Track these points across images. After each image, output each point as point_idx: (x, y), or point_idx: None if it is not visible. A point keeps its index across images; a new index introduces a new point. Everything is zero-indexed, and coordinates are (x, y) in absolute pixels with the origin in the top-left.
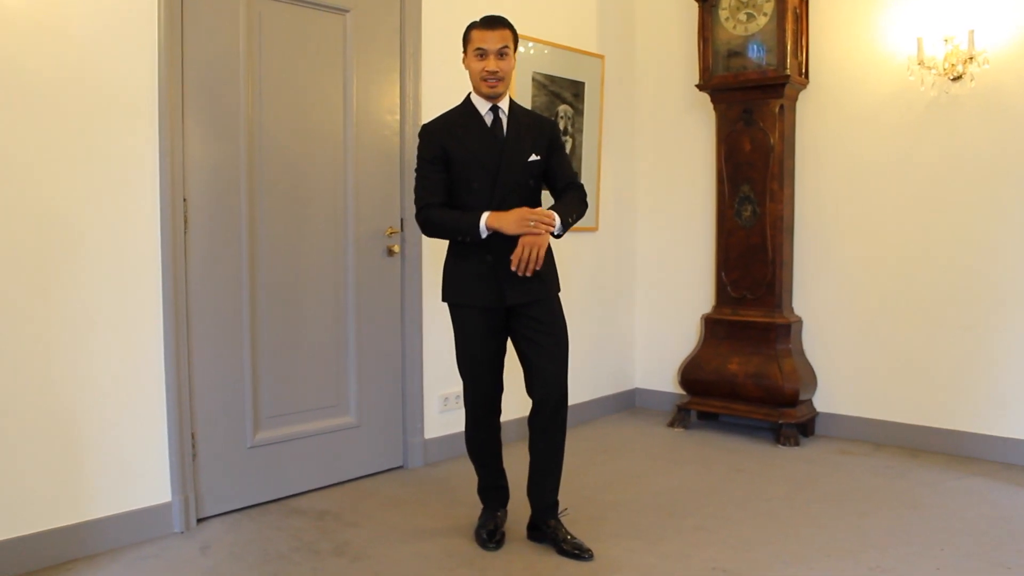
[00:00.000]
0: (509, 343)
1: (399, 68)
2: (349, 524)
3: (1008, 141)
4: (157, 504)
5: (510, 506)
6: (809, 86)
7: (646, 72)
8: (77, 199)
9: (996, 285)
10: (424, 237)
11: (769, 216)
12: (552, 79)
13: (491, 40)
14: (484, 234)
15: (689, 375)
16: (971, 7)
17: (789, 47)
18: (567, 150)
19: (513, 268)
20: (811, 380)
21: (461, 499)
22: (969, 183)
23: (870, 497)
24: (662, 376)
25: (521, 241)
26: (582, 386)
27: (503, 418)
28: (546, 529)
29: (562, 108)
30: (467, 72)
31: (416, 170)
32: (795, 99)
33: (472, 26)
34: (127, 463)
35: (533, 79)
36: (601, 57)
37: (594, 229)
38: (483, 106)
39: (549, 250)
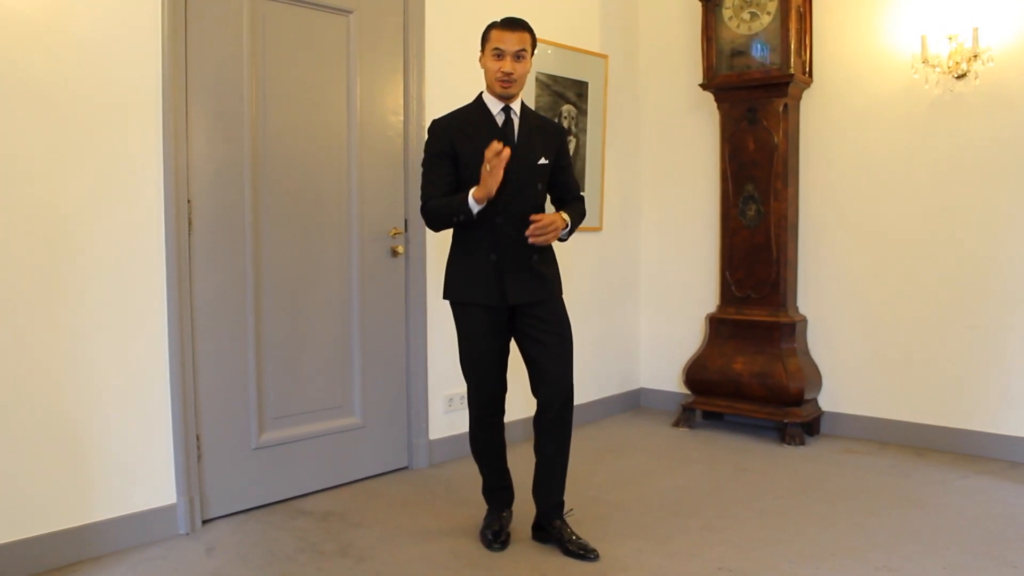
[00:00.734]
0: (512, 343)
1: (403, 69)
2: (354, 525)
3: (1013, 138)
4: (162, 506)
5: (515, 506)
6: (813, 85)
7: (650, 72)
8: (81, 201)
9: (1002, 283)
10: (428, 238)
11: (773, 215)
12: (555, 79)
13: (510, 41)
14: (475, 208)
15: (694, 375)
16: (975, 5)
17: (793, 46)
18: (571, 150)
19: (529, 232)
20: (816, 379)
21: (466, 500)
22: (974, 181)
23: (876, 496)
24: (667, 376)
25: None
26: (587, 386)
27: (508, 418)
28: (551, 529)
29: (566, 108)
30: (478, 71)
31: (423, 164)
32: (799, 98)
33: (492, 26)
34: (132, 465)
35: (537, 79)
36: (605, 57)
37: (598, 229)
38: (495, 106)
39: (551, 251)
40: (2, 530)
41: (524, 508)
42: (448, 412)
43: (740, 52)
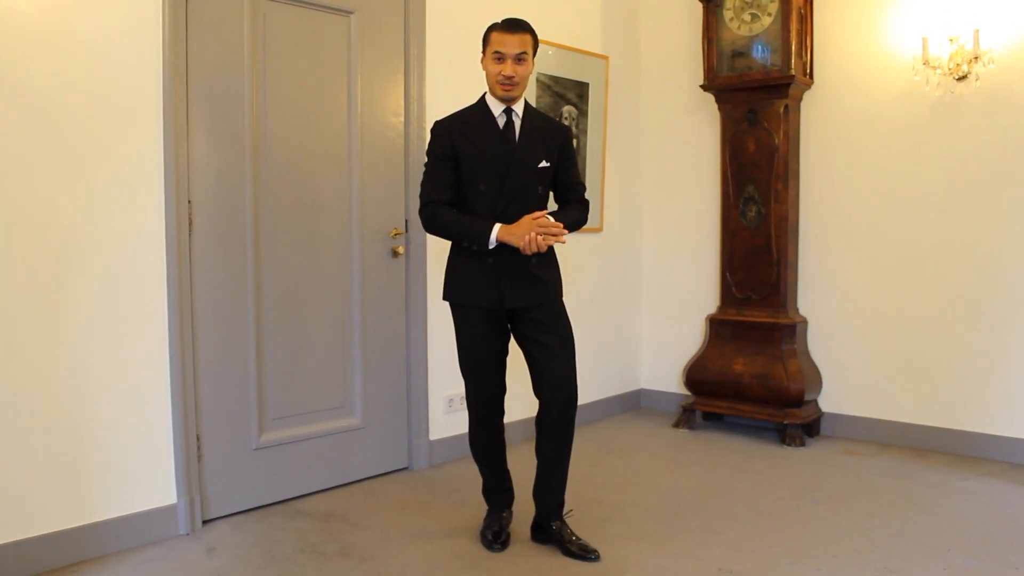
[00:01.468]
0: (512, 344)
1: (403, 70)
2: (354, 526)
3: (1014, 140)
4: (163, 506)
5: (515, 507)
6: (814, 86)
7: (650, 73)
8: (82, 201)
9: (1003, 285)
10: (429, 239)
11: (774, 216)
12: (556, 80)
13: (510, 44)
14: (492, 245)
15: (694, 376)
16: (976, 6)
17: (794, 47)
18: None
19: (523, 245)
20: (816, 380)
21: (466, 500)
22: (975, 183)
23: (877, 497)
24: (667, 377)
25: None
26: (587, 387)
27: (508, 419)
28: (551, 530)
29: (566, 109)
30: (479, 72)
31: (425, 165)
32: (800, 99)
33: (493, 28)
34: (133, 465)
35: (537, 80)
36: (605, 58)
37: (599, 230)
38: (497, 108)
39: (552, 254)
40: (2, 530)
41: (524, 509)
42: (448, 413)
43: (741, 53)
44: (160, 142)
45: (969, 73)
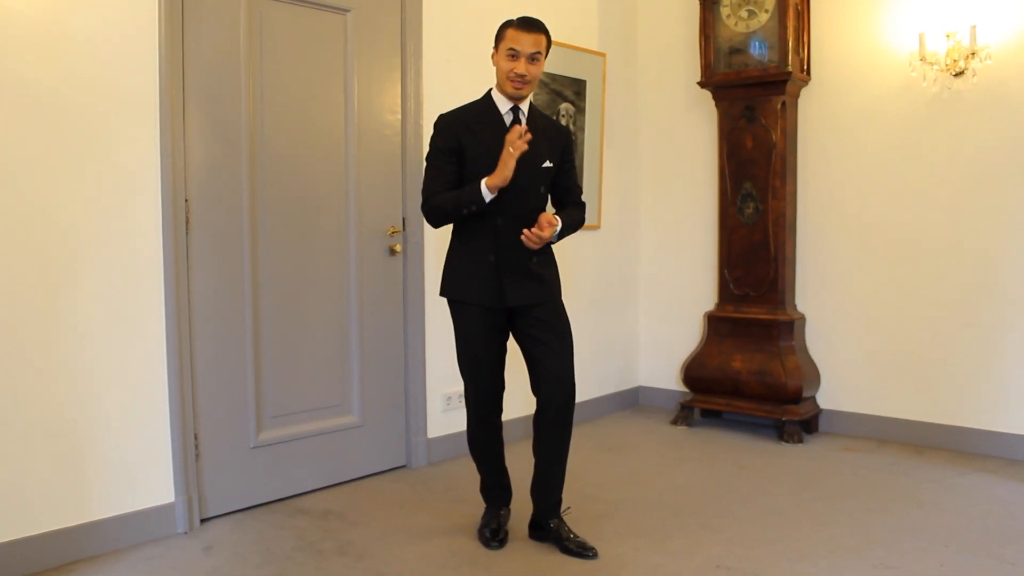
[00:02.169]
0: (513, 342)
1: (400, 67)
2: (352, 524)
3: (1011, 136)
4: (161, 505)
5: (513, 505)
6: (811, 83)
7: (648, 70)
8: (79, 200)
9: (1000, 281)
10: (426, 237)
11: (771, 213)
12: (553, 77)
13: (525, 43)
14: (488, 196)
15: (692, 372)
16: (973, 3)
17: (791, 44)
18: None
19: (525, 236)
20: (814, 377)
21: (464, 498)
22: (972, 179)
23: (874, 494)
24: (665, 374)
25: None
26: (585, 384)
27: (507, 416)
28: (549, 528)
29: (563, 106)
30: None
31: (427, 158)
32: (797, 96)
33: (508, 24)
34: (130, 464)
35: None
36: (603, 55)
37: (596, 227)
38: (504, 105)
39: (551, 253)
40: (1, 529)
41: (522, 506)
42: (446, 411)
43: (738, 50)
44: (157, 140)
45: (966, 69)
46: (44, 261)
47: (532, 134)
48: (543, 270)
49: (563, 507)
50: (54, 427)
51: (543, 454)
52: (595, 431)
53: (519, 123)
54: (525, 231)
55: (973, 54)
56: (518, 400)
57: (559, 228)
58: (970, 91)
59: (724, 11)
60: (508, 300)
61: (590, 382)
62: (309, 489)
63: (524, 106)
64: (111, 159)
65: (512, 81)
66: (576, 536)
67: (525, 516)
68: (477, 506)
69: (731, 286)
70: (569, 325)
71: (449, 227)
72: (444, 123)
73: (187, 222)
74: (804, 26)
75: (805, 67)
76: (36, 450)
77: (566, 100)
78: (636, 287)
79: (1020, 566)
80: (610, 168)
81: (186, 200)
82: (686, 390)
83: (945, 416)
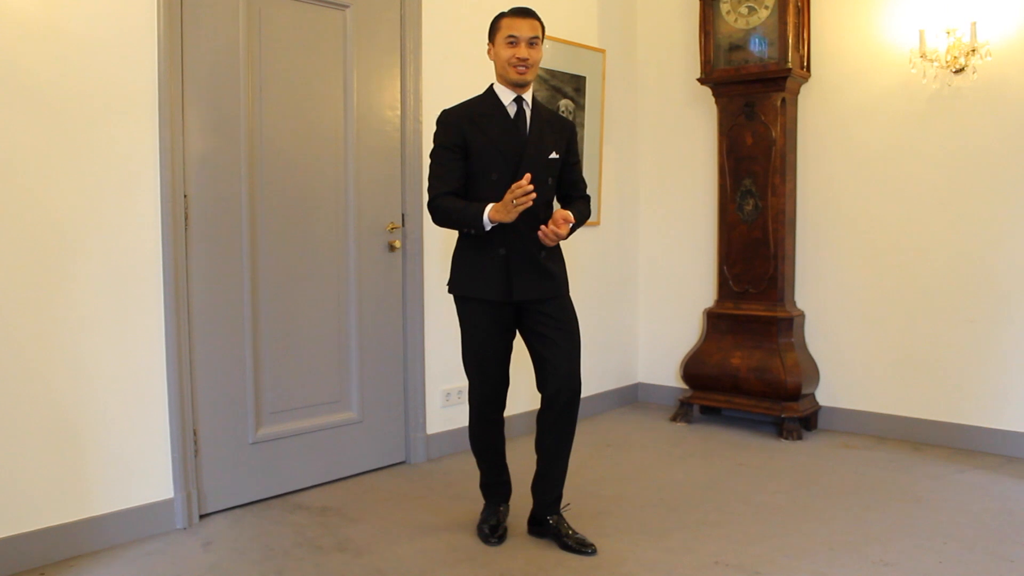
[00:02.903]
0: (518, 339)
1: (399, 63)
2: (351, 520)
3: (1011, 133)
4: (159, 500)
5: (512, 501)
6: (811, 79)
7: (647, 66)
8: (78, 196)
9: (999, 278)
10: (426, 233)
11: (771, 210)
12: (553, 73)
13: (523, 28)
14: (488, 227)
15: (691, 369)
16: None
17: (791, 40)
18: None
19: (543, 233)
20: (813, 374)
21: (463, 494)
22: (972, 176)
23: (873, 491)
24: (665, 370)
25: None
26: (585, 381)
27: (509, 413)
28: (548, 524)
29: (563, 103)
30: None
31: (432, 155)
32: (797, 92)
33: (502, 15)
34: (129, 460)
35: None
36: (602, 51)
37: (596, 224)
38: (507, 96)
39: (559, 250)
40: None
41: (521, 503)
42: (446, 407)
43: (738, 46)
44: (156, 136)
45: (966, 66)
46: (43, 256)
47: (537, 125)
48: (552, 265)
49: (563, 503)
50: (53, 422)
51: (546, 450)
52: (594, 427)
53: (523, 114)
54: (543, 228)
55: (973, 51)
56: (520, 397)
57: (570, 227)
58: (970, 88)
59: (724, 7)
60: (516, 294)
61: (590, 378)
62: (308, 485)
63: (527, 96)
64: (110, 154)
65: (515, 67)
66: (575, 532)
67: (524, 512)
68: (476, 502)
69: (730, 283)
70: (577, 322)
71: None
72: (448, 118)
73: (186, 217)
74: (804, 23)
75: (805, 64)
76: (35, 446)
77: (566, 96)
78: (635, 284)
79: (1019, 563)
80: (610, 164)
81: (185, 195)
82: (685, 387)
83: (944, 413)
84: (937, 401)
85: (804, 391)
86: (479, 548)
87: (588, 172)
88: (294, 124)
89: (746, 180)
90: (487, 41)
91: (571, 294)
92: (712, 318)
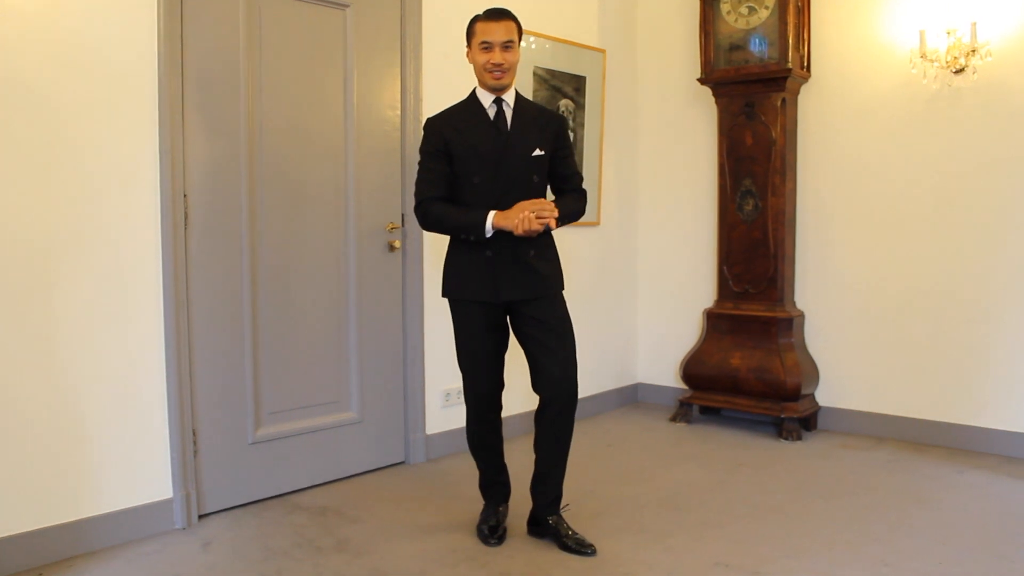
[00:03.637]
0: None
1: (400, 63)
2: (351, 520)
3: (1011, 134)
4: (159, 500)
5: (512, 501)
6: (811, 79)
7: (648, 66)
8: (78, 195)
9: (999, 278)
10: (425, 233)
11: (771, 210)
12: (553, 73)
13: (496, 32)
14: (489, 233)
15: (691, 370)
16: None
17: (791, 40)
18: None
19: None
20: (813, 374)
21: (463, 495)
22: (972, 176)
23: (873, 491)
24: (664, 371)
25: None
26: (584, 381)
27: (507, 413)
28: (548, 524)
29: (563, 103)
30: (470, 66)
31: (419, 163)
32: (797, 92)
33: (476, 19)
34: (128, 460)
35: (534, 74)
36: (602, 51)
37: (596, 224)
38: (486, 99)
39: (553, 247)
40: None
41: (521, 503)
42: (445, 407)
43: (738, 46)
44: (156, 136)
45: (966, 66)
46: (43, 257)
47: (519, 124)
48: (541, 264)
49: (563, 504)
50: (53, 422)
51: (544, 451)
52: (594, 428)
53: (503, 115)
54: (519, 209)
55: (974, 51)
56: (518, 396)
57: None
58: (970, 88)
59: (724, 7)
60: (503, 295)
61: (589, 379)
62: (307, 485)
63: (508, 97)
64: (110, 155)
65: (490, 72)
66: (575, 533)
67: (524, 513)
68: (476, 502)
69: (730, 283)
70: (570, 323)
71: None
72: (431, 126)
73: (186, 218)
74: (804, 23)
75: (805, 64)
76: (35, 446)
77: (566, 96)
78: (635, 283)
79: (1018, 563)
80: (610, 164)
81: (185, 195)
82: (685, 387)
83: (944, 413)
84: (936, 401)
85: (804, 391)
86: (478, 548)
87: (588, 172)
88: (294, 124)
89: (746, 180)
90: (465, 44)
91: (571, 294)
92: (712, 318)
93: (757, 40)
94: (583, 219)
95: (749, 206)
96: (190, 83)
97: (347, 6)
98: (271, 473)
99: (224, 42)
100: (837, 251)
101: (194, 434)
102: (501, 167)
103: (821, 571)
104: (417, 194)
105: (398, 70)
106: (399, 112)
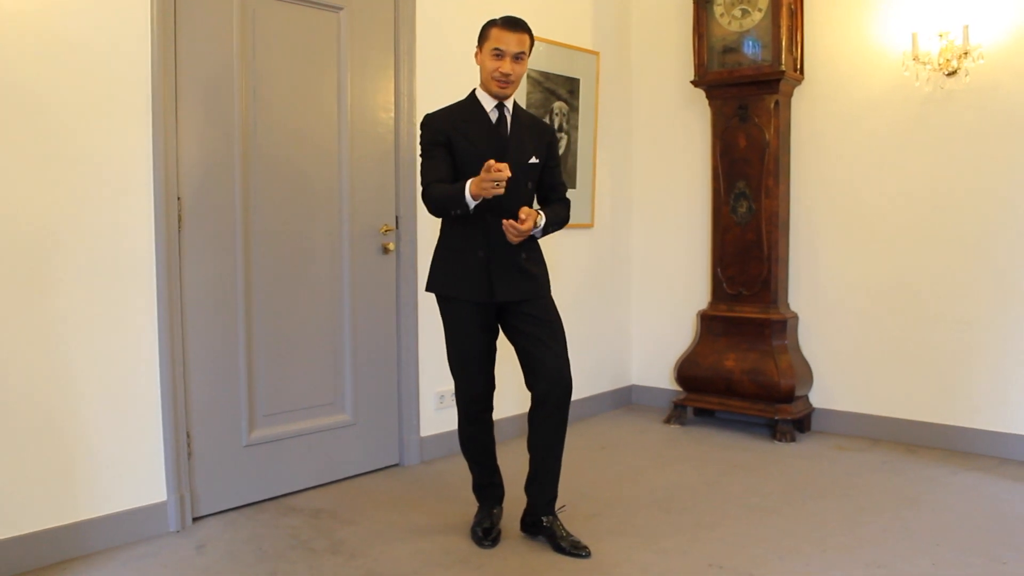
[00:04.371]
0: (502, 340)
1: (393, 65)
2: (345, 522)
3: (1003, 136)
4: (152, 503)
5: (506, 503)
6: (804, 82)
7: (641, 68)
8: (71, 198)
9: (992, 279)
10: (419, 234)
11: (764, 212)
12: (547, 76)
13: (510, 42)
14: (471, 204)
15: (685, 371)
16: (966, 2)
17: (784, 43)
18: (562, 148)
19: (507, 224)
20: (807, 376)
21: (457, 497)
22: (964, 178)
23: (867, 493)
24: (658, 373)
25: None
26: (578, 383)
27: (499, 415)
28: (542, 525)
29: (557, 105)
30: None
31: (421, 155)
32: (790, 95)
33: (492, 24)
34: (122, 462)
35: (528, 76)
36: (596, 53)
37: (589, 226)
38: (488, 103)
39: (539, 251)
40: None
41: (515, 505)
42: (439, 409)
43: (731, 49)
44: (149, 138)
45: (959, 69)
46: (36, 259)
47: (518, 131)
48: (532, 267)
49: (558, 504)
50: (45, 426)
51: (538, 449)
52: (588, 430)
53: (504, 120)
54: (504, 221)
55: (966, 54)
56: (510, 398)
57: (542, 223)
58: (963, 91)
59: (718, 10)
60: (498, 296)
61: (583, 381)
62: (302, 487)
63: (509, 103)
64: (103, 157)
65: (497, 81)
66: (569, 535)
67: (518, 515)
68: (470, 505)
69: (724, 285)
70: (561, 322)
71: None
72: (432, 120)
73: (179, 220)
74: (798, 25)
75: (798, 66)
76: (28, 448)
77: (559, 99)
78: (629, 285)
79: (1012, 564)
80: (603, 167)
81: (179, 198)
82: (679, 389)
83: (938, 415)
84: (930, 403)
85: (797, 393)
86: (473, 550)
87: (582, 174)
88: (288, 126)
89: (739, 182)
90: (476, 44)
91: (564, 296)
92: (706, 320)
93: (750, 42)
94: (577, 221)
95: (743, 208)
96: (184, 85)
97: (341, 9)
98: (265, 475)
99: (218, 44)
100: (831, 253)
101: (188, 436)
102: None
103: (814, 572)
104: (423, 181)
105: (392, 72)
106: (393, 114)
